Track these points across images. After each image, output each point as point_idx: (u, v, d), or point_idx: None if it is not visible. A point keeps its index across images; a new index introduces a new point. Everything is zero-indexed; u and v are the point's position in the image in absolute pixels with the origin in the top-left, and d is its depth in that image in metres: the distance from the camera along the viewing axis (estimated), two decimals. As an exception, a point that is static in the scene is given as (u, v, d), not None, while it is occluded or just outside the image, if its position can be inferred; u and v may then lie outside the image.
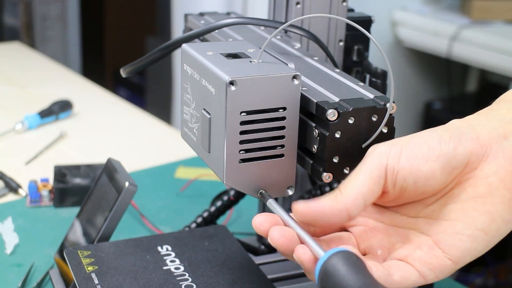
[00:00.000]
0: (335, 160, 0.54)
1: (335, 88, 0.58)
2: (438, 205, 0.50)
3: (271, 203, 0.54)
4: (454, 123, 0.51)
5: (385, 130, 0.55)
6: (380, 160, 0.48)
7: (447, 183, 0.49)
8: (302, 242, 0.49)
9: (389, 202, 0.51)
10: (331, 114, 0.53)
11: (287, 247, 0.49)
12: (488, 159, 0.49)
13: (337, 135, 0.53)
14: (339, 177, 0.55)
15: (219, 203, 0.82)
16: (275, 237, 0.49)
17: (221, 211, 0.82)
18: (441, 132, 0.49)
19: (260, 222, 0.50)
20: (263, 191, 0.56)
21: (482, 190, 0.49)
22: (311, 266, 0.47)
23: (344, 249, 0.46)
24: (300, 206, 0.48)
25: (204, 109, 0.56)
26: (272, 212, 0.52)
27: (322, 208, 0.48)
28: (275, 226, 0.50)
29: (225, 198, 0.82)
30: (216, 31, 0.70)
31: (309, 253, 0.48)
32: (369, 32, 0.62)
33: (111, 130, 1.26)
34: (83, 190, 0.92)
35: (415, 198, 0.51)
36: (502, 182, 0.48)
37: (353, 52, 0.74)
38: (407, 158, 0.48)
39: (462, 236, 0.48)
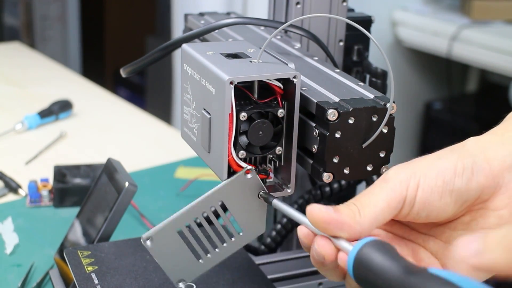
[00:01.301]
0: (335, 160, 0.54)
1: (335, 88, 0.58)
2: (448, 228, 0.51)
3: (277, 203, 0.53)
4: (470, 147, 0.51)
5: (385, 130, 0.55)
6: (401, 191, 0.48)
7: (457, 213, 0.50)
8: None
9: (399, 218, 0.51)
10: (331, 114, 0.53)
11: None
12: (500, 190, 0.49)
13: (337, 135, 0.53)
14: (339, 177, 0.55)
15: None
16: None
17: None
18: (456, 162, 0.49)
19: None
20: (263, 192, 0.55)
21: (492, 222, 0.49)
22: (334, 260, 0.47)
23: (375, 238, 0.45)
24: (321, 211, 0.47)
25: (204, 109, 0.56)
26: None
27: (341, 222, 0.47)
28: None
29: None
30: (216, 31, 0.70)
31: (330, 247, 0.47)
32: (369, 32, 0.62)
33: (111, 130, 1.26)
34: (83, 190, 0.92)
35: (425, 222, 0.51)
36: None
37: (353, 52, 0.74)
38: (423, 192, 0.48)
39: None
